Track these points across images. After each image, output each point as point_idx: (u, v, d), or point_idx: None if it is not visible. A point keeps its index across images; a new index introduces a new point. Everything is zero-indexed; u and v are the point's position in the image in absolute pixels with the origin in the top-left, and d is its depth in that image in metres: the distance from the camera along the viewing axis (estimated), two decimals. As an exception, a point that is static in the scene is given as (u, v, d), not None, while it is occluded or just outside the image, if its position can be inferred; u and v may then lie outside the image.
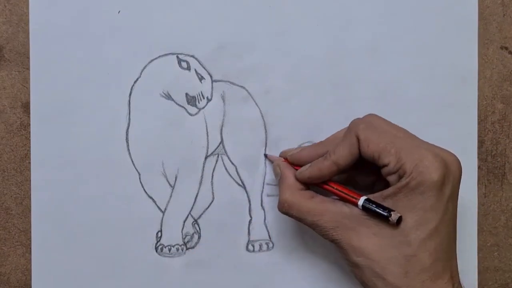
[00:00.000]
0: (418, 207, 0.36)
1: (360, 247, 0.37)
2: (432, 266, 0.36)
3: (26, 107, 0.44)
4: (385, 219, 0.36)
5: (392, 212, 0.35)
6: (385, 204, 0.36)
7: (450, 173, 0.36)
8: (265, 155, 0.45)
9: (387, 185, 0.38)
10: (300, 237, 0.46)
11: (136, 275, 0.45)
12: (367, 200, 0.37)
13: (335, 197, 0.39)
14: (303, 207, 0.39)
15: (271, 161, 0.44)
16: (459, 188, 0.38)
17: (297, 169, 0.41)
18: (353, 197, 0.38)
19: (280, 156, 0.44)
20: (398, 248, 0.36)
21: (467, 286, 0.46)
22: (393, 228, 0.36)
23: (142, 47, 0.44)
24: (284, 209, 0.40)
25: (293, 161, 0.42)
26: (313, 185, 0.40)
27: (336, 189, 0.39)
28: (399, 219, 0.35)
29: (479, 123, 0.46)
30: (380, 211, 0.36)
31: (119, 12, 0.44)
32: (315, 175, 0.39)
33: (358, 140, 0.38)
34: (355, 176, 0.42)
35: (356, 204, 0.37)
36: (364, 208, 0.37)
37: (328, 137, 0.42)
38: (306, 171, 0.40)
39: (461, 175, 0.37)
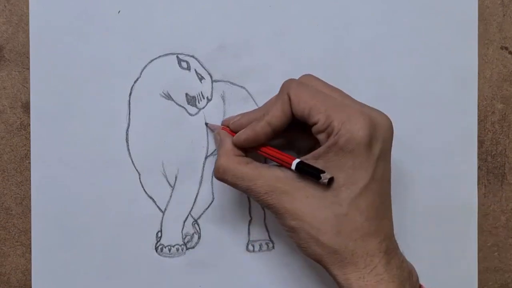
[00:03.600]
0: (347, 166, 0.36)
1: (294, 210, 0.37)
2: (363, 225, 0.36)
3: (26, 107, 0.44)
4: (317, 180, 0.36)
5: (322, 174, 0.35)
6: (317, 164, 0.36)
7: (379, 132, 0.36)
8: (206, 124, 0.44)
9: None
10: (300, 237, 0.46)
11: (136, 275, 0.45)
12: (300, 162, 0.37)
13: (273, 163, 0.39)
14: (237, 172, 0.38)
15: (212, 130, 0.44)
16: (390, 148, 0.38)
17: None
18: (286, 160, 0.37)
19: (222, 125, 0.44)
20: (330, 208, 0.36)
21: (467, 286, 0.46)
22: (325, 189, 0.36)
23: (142, 47, 0.44)
24: (219, 174, 0.39)
25: (235, 129, 0.41)
26: (250, 150, 0.40)
27: (270, 151, 0.39)
28: (330, 180, 0.36)
29: (479, 123, 0.46)
30: (312, 172, 0.36)
31: (119, 12, 0.44)
32: (251, 137, 0.39)
33: (290, 98, 0.38)
34: (295, 141, 0.42)
35: (289, 167, 0.37)
36: (297, 170, 0.37)
37: (266, 101, 0.42)
38: (242, 134, 0.39)
39: (392, 135, 0.38)
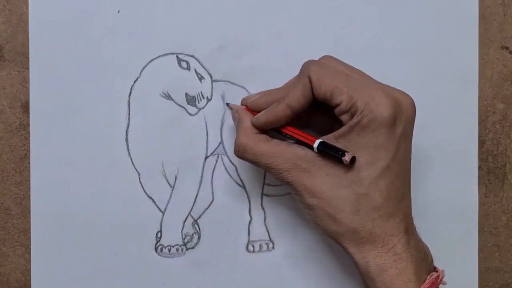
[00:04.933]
0: (369, 145, 0.36)
1: (313, 187, 0.37)
2: (383, 205, 0.36)
3: (25, 107, 0.44)
4: (339, 160, 0.36)
5: (346, 153, 0.35)
6: (338, 144, 0.36)
7: (402, 112, 0.36)
8: (227, 104, 0.44)
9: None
10: (300, 237, 0.46)
11: (136, 275, 0.44)
12: (322, 142, 0.37)
13: (292, 141, 0.39)
14: (258, 149, 0.39)
15: (231, 109, 0.44)
16: (412, 129, 0.38)
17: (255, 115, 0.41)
18: (308, 139, 0.37)
19: (241, 103, 0.43)
20: (350, 187, 0.36)
21: (468, 287, 0.46)
22: (345, 168, 0.36)
23: (142, 47, 0.44)
24: (239, 152, 0.39)
25: (253, 108, 0.41)
26: (271, 130, 0.40)
27: (292, 132, 0.39)
28: (353, 159, 0.35)
29: (479, 123, 0.46)
30: (333, 153, 0.36)
31: (119, 12, 0.44)
32: (271, 119, 0.39)
33: (310, 81, 0.37)
34: (314, 120, 0.42)
35: (311, 147, 0.37)
36: (319, 150, 0.37)
37: (286, 82, 0.41)
38: (262, 116, 0.40)
39: (414, 115, 0.38)
